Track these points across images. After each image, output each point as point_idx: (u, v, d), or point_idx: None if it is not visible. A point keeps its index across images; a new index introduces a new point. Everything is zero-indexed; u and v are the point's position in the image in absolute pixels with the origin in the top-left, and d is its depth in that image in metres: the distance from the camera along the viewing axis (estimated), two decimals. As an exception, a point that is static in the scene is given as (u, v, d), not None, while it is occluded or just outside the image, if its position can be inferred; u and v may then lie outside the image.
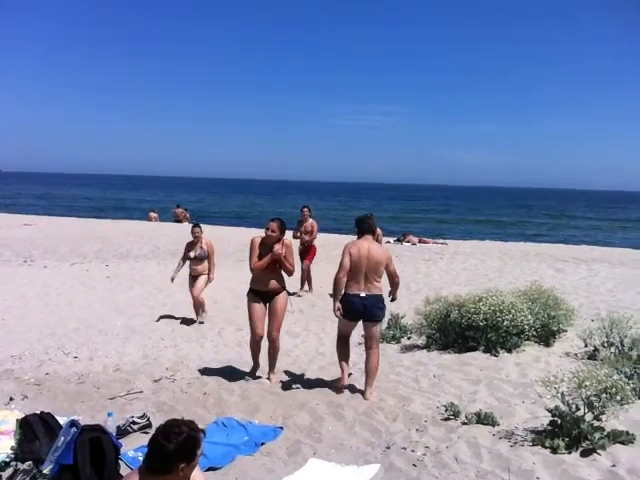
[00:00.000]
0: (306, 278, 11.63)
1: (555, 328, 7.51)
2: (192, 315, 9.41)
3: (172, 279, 9.49)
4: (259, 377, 6.44)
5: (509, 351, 7.05)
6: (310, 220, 11.64)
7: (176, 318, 9.39)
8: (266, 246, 6.21)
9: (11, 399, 5.67)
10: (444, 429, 4.91)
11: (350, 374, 6.27)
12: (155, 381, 6.31)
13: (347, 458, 4.42)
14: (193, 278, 9.21)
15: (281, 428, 4.97)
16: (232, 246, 17.65)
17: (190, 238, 9.31)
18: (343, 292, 5.74)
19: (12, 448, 4.36)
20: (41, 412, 4.65)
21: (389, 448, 4.57)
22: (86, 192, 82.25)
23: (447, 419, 5.10)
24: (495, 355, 6.96)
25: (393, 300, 6.28)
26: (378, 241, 7.19)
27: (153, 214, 30.21)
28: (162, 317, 9.41)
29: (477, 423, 4.93)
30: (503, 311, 6.99)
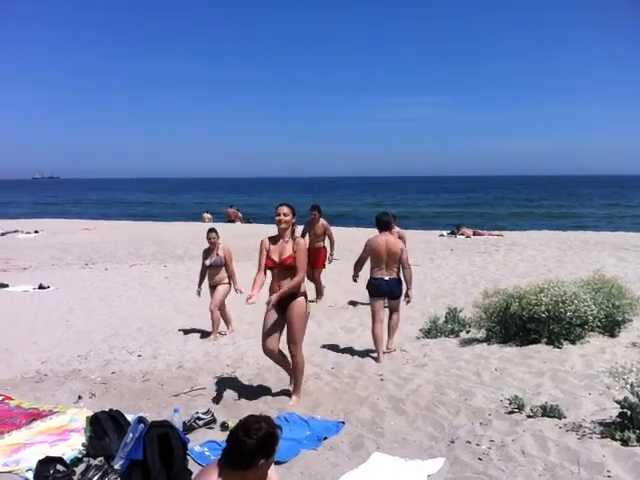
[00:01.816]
0: (316, 287, 10.51)
1: (620, 318, 7.28)
2: (250, 314, 9.36)
3: (198, 293, 8.48)
4: (286, 390, 5.91)
5: (573, 342, 6.87)
6: (321, 221, 10.49)
7: (234, 316, 9.48)
8: (275, 243, 5.54)
9: (79, 397, 5.86)
10: (509, 422, 4.83)
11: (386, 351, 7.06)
12: (217, 378, 6.41)
13: (411, 452, 4.40)
14: (212, 288, 8.31)
15: (343, 423, 4.98)
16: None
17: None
18: (369, 276, 7.04)
19: (83, 445, 4.51)
20: (110, 409, 4.80)
21: (453, 442, 4.52)
22: (138, 196, 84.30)
23: (511, 412, 5.01)
24: (558, 347, 6.80)
25: (408, 302, 7.23)
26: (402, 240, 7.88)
27: (207, 215, 30.72)
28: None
29: (543, 416, 4.83)
30: (565, 302, 6.81)
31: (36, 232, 24.49)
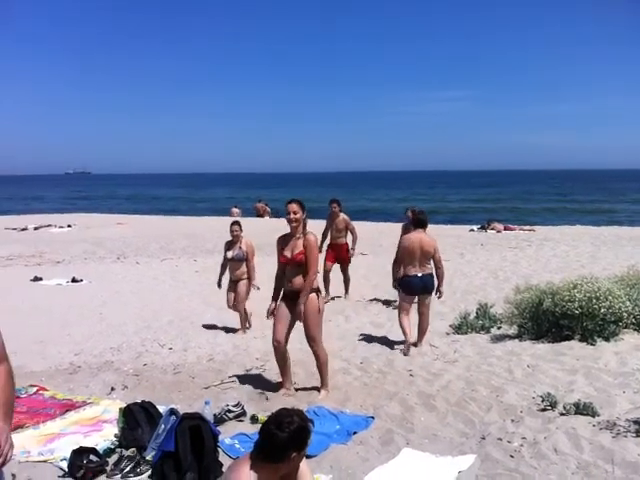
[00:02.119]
0: (345, 281, 10.31)
1: (656, 315, 7.13)
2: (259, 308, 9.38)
3: (219, 285, 8.49)
4: (316, 384, 5.84)
5: (607, 340, 6.74)
6: (342, 216, 10.15)
7: (263, 310, 9.51)
8: (288, 240, 5.52)
9: (112, 389, 5.95)
10: (541, 420, 4.76)
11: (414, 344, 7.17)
12: (247, 371, 6.45)
13: (441, 448, 4.36)
14: (233, 283, 8.27)
15: (372, 418, 4.96)
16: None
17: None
18: (402, 274, 7.14)
19: (115, 435, 4.57)
20: (142, 401, 4.86)
21: (484, 439, 4.47)
22: (168, 191, 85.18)
23: (544, 410, 4.94)
24: (592, 344, 6.67)
25: (439, 297, 7.40)
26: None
27: (235, 210, 30.89)
28: (250, 309, 9.57)
29: (576, 414, 4.75)
30: (599, 298, 6.69)
31: (69, 226, 24.93)
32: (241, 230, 8.22)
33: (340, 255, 10.21)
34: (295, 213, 5.36)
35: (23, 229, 23.95)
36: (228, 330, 8.37)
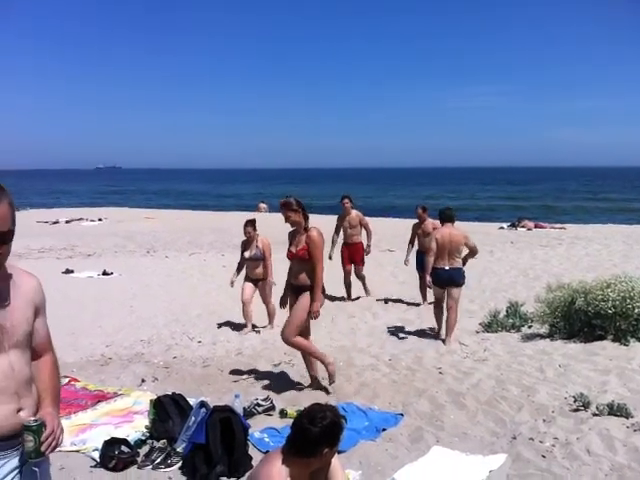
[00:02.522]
0: (361, 282, 9.98)
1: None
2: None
3: (232, 283, 8.26)
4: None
5: (640, 340, 6.62)
6: (354, 212, 9.78)
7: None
8: (295, 235, 5.57)
9: (143, 381, 6.02)
10: (573, 420, 4.69)
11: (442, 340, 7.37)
12: (275, 365, 6.47)
13: (471, 447, 4.32)
14: (252, 281, 8.03)
15: (402, 415, 4.94)
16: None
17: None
18: (432, 266, 7.42)
19: (146, 427, 4.61)
20: (172, 393, 4.90)
21: (515, 438, 4.42)
22: (194, 186, 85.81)
23: (576, 410, 4.86)
24: (625, 344, 6.55)
25: (464, 264, 7.60)
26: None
27: (263, 205, 31.00)
28: (277, 304, 9.60)
29: (609, 414, 4.67)
30: (633, 298, 6.56)
31: (100, 220, 25.29)
32: (255, 230, 7.98)
33: (355, 255, 9.77)
34: (289, 217, 5.43)
35: (55, 222, 24.36)
36: (257, 325, 8.39)
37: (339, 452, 4.22)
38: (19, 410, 2.11)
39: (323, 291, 5.55)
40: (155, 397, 4.89)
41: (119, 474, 4.01)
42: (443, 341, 7.24)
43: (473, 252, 7.60)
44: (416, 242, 9.52)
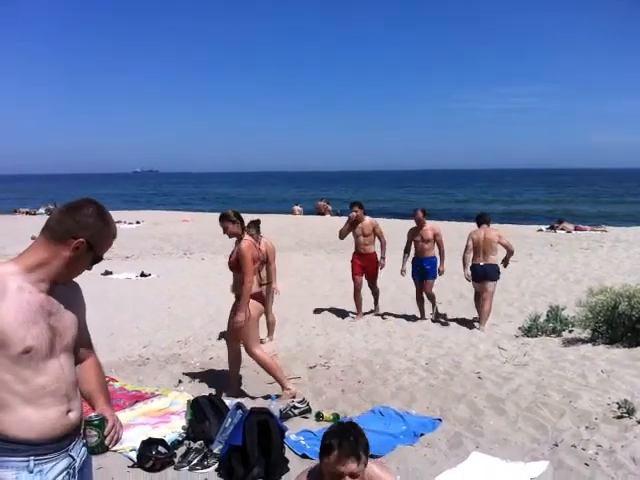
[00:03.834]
0: (374, 296, 9.30)
1: None
2: (342, 305, 9.44)
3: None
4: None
5: (686, 346, 6.41)
6: (367, 219, 8.97)
7: (325, 307, 9.55)
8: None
9: (180, 381, 6.06)
10: (617, 427, 4.53)
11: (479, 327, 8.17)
12: (310, 367, 6.44)
13: (512, 454, 4.22)
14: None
15: (440, 420, 4.85)
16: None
17: None
18: (471, 264, 8.36)
19: (183, 427, 4.63)
20: (210, 394, 4.91)
21: (557, 445, 4.29)
22: (230, 189, 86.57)
23: (620, 417, 4.70)
24: (671, 350, 6.36)
25: (505, 265, 8.62)
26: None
27: (297, 207, 31.05)
28: (312, 306, 9.61)
29: (655, 423, 4.52)
30: (679, 302, 6.36)
31: (138, 223, 25.63)
32: (258, 232, 7.37)
33: (368, 268, 9.02)
34: (227, 228, 5.52)
35: (94, 225, 24.79)
36: (296, 325, 8.40)
37: (376, 457, 4.19)
38: (68, 412, 2.14)
39: (256, 298, 5.56)
40: (192, 398, 4.90)
41: (156, 474, 4.02)
42: (478, 328, 8.09)
43: (508, 249, 8.40)
44: (412, 249, 8.97)
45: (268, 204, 49.09)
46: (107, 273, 12.90)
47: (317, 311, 9.38)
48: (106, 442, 2.20)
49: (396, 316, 8.74)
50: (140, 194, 73.74)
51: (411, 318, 8.83)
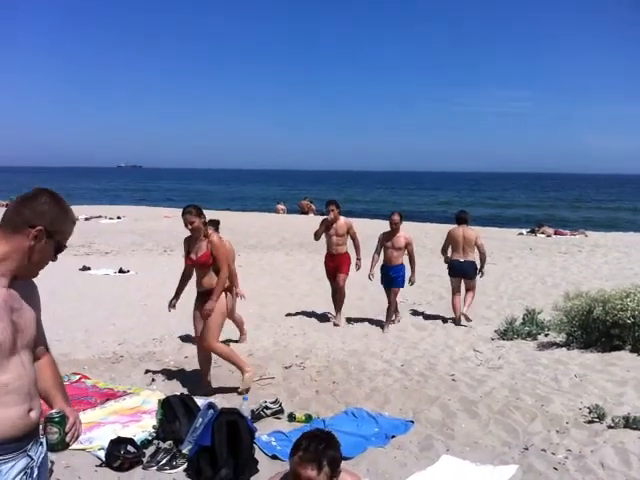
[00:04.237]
0: (339, 297, 8.71)
1: None
2: (321, 305, 9.39)
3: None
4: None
5: (660, 351, 6.48)
6: (342, 219, 8.67)
7: (304, 307, 9.52)
8: (193, 243, 5.68)
9: (153, 380, 6.00)
10: (588, 432, 4.58)
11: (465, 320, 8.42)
12: (286, 368, 6.42)
13: (482, 457, 4.23)
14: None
15: (412, 422, 4.86)
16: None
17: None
18: (450, 259, 8.72)
19: (154, 427, 4.59)
20: (181, 394, 4.87)
21: (527, 449, 4.32)
22: (211, 186, 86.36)
23: (591, 422, 4.75)
24: (644, 355, 6.42)
25: (481, 276, 8.85)
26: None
27: (280, 206, 31.01)
28: (291, 306, 9.57)
29: (625, 427, 4.56)
30: (653, 308, 6.42)
31: (118, 218, 25.42)
32: (217, 232, 6.74)
33: (338, 265, 8.66)
34: (192, 223, 5.48)
35: (74, 219, 24.54)
36: (274, 324, 8.36)
37: (347, 459, 4.18)
38: (30, 411, 2.10)
39: (228, 291, 5.70)
40: (164, 397, 4.86)
41: (124, 474, 3.97)
42: (458, 320, 8.40)
43: (481, 251, 8.62)
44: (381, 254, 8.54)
45: (252, 202, 49.02)
46: (85, 269, 12.77)
47: (296, 311, 9.34)
48: (67, 439, 2.17)
49: (371, 321, 8.71)
50: (122, 189, 73.19)
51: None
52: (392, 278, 8.38)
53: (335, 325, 8.49)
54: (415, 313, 9.22)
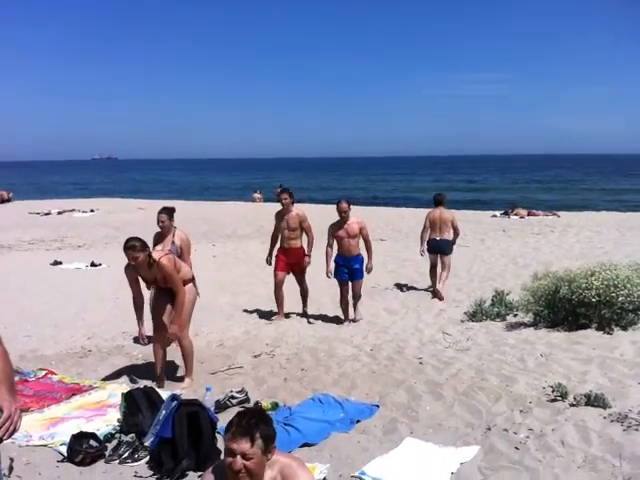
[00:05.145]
0: (304, 293, 8.32)
1: (678, 304, 6.90)
2: (295, 294, 9.04)
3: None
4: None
5: (624, 329, 6.56)
6: (295, 210, 7.99)
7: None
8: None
9: (120, 374, 5.95)
10: (550, 411, 4.63)
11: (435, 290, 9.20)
12: (255, 356, 6.41)
13: (445, 439, 4.27)
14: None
15: (377, 406, 4.88)
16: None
17: None
18: (428, 238, 9.45)
19: (118, 420, 4.56)
20: (144, 386, 4.84)
21: (490, 430, 4.37)
22: (186, 176, 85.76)
23: (554, 400, 4.81)
24: (609, 333, 6.51)
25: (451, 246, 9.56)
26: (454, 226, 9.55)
27: (257, 195, 30.88)
28: (264, 295, 9.54)
29: (586, 405, 4.62)
30: (618, 286, 6.51)
31: (92, 211, 25.14)
32: (171, 220, 6.75)
33: (294, 261, 8.08)
34: (136, 259, 5.36)
35: (47, 214, 24.21)
36: (246, 314, 8.34)
37: (311, 445, 4.21)
38: None
39: (192, 280, 5.87)
40: (127, 390, 4.83)
41: (86, 469, 3.95)
42: (436, 293, 9.09)
43: (456, 231, 9.53)
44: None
45: (227, 191, 48.70)
46: (56, 263, 12.64)
47: (269, 299, 9.31)
48: None
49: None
50: (96, 181, 72.32)
51: (362, 305, 8.81)
52: (355, 270, 7.75)
53: (304, 317, 8.15)
54: (387, 298, 9.23)
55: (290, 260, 8.06)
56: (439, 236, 9.36)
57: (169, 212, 6.76)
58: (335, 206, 7.85)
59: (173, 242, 6.68)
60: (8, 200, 30.86)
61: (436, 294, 9.09)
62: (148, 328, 5.83)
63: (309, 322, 7.97)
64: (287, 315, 8.19)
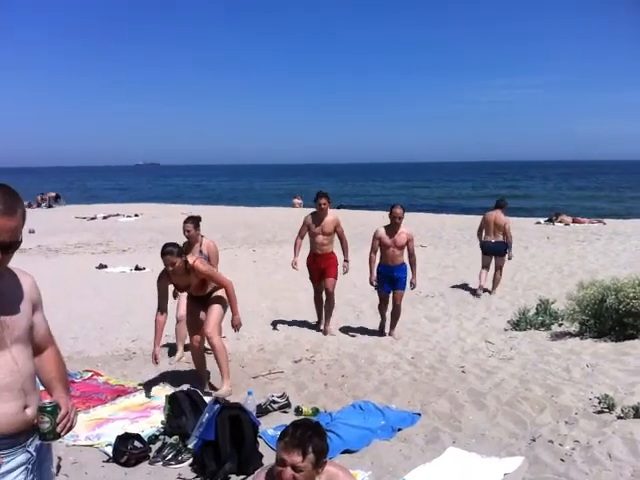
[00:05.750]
0: (329, 305, 7.77)
1: None
2: (336, 300, 9.06)
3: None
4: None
5: (673, 340, 6.38)
6: (331, 214, 7.70)
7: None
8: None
9: (164, 377, 6.04)
10: (596, 423, 4.52)
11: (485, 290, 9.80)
12: (296, 362, 6.43)
13: (488, 449, 4.21)
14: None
15: (419, 414, 4.85)
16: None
17: None
18: (482, 240, 10.06)
19: (162, 422, 4.63)
20: (188, 389, 4.90)
21: (534, 440, 4.29)
22: (225, 182, 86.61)
23: (600, 412, 4.69)
24: (657, 344, 6.33)
25: (509, 258, 9.98)
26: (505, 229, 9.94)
27: (297, 200, 31.00)
28: (304, 300, 9.57)
29: (635, 417, 4.48)
30: (666, 295, 6.33)
31: (136, 216, 25.63)
32: (197, 229, 6.74)
33: (325, 266, 7.69)
34: (173, 264, 5.38)
35: (92, 218, 24.78)
36: (287, 319, 8.37)
37: (352, 452, 4.20)
38: (25, 407, 2.13)
39: None
40: (171, 392, 4.90)
41: (130, 469, 4.02)
42: (479, 289, 9.72)
43: (508, 237, 9.84)
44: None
45: (269, 198, 49.00)
46: (102, 267, 12.91)
47: (309, 305, 9.33)
48: (58, 429, 2.18)
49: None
50: (140, 187, 73.69)
51: (403, 312, 8.76)
52: (397, 279, 7.41)
53: (325, 334, 7.57)
54: (428, 305, 9.16)
55: (320, 265, 7.71)
56: (493, 238, 9.86)
57: (195, 221, 6.74)
58: (389, 211, 7.47)
59: (201, 251, 6.66)
60: (57, 197, 32.20)
61: (479, 291, 9.68)
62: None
63: (324, 334, 7.59)
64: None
